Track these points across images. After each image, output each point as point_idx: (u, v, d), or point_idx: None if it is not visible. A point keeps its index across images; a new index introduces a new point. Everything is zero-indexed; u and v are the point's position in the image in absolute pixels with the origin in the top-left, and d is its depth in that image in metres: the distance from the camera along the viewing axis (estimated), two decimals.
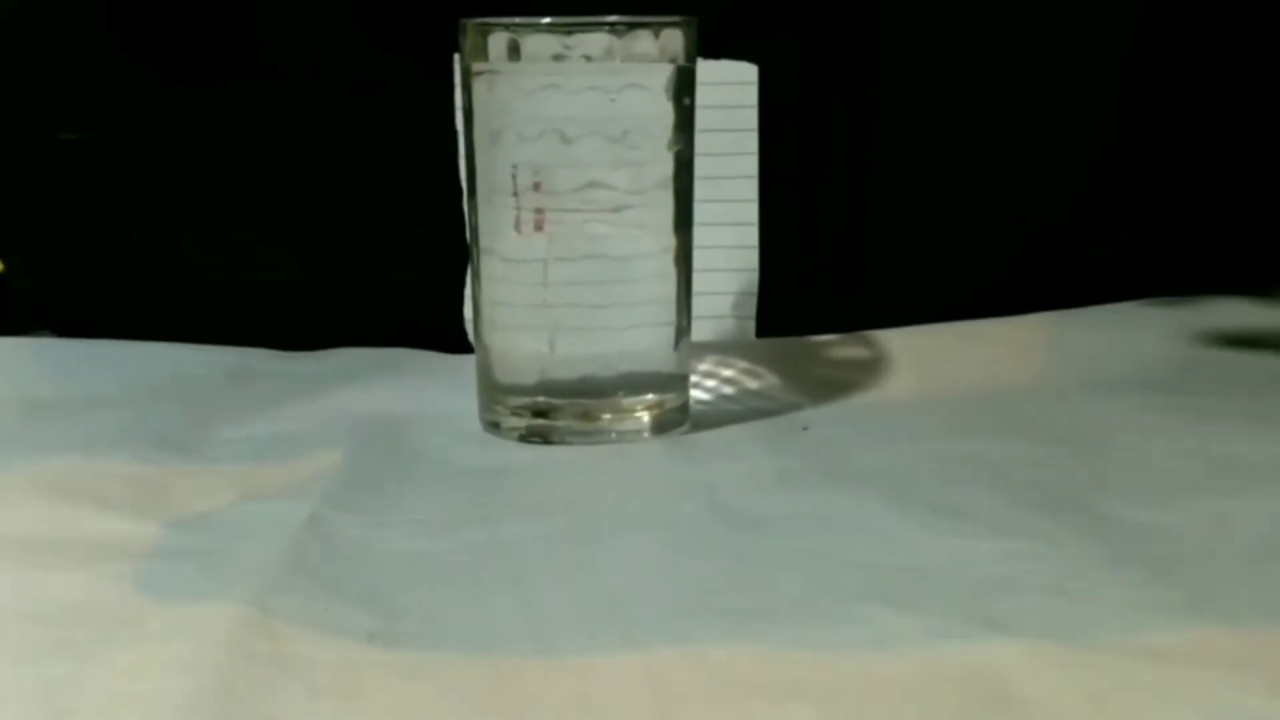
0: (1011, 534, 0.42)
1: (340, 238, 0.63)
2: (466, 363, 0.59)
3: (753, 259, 0.61)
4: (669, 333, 0.52)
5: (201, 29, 0.62)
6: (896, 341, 0.60)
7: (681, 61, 0.50)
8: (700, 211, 0.59)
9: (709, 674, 0.35)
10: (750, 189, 0.61)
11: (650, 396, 0.52)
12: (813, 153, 0.62)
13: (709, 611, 0.38)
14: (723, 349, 0.60)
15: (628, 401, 0.51)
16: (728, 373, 0.58)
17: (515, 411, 0.52)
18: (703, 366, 0.58)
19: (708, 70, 0.60)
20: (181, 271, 0.64)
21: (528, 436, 0.52)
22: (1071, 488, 0.46)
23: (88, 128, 0.63)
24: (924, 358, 0.58)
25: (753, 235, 0.61)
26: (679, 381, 0.53)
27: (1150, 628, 0.36)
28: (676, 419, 0.52)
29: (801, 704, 0.33)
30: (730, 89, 0.60)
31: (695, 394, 0.55)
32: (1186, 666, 0.35)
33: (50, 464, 0.49)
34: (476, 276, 0.52)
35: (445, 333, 0.62)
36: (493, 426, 0.52)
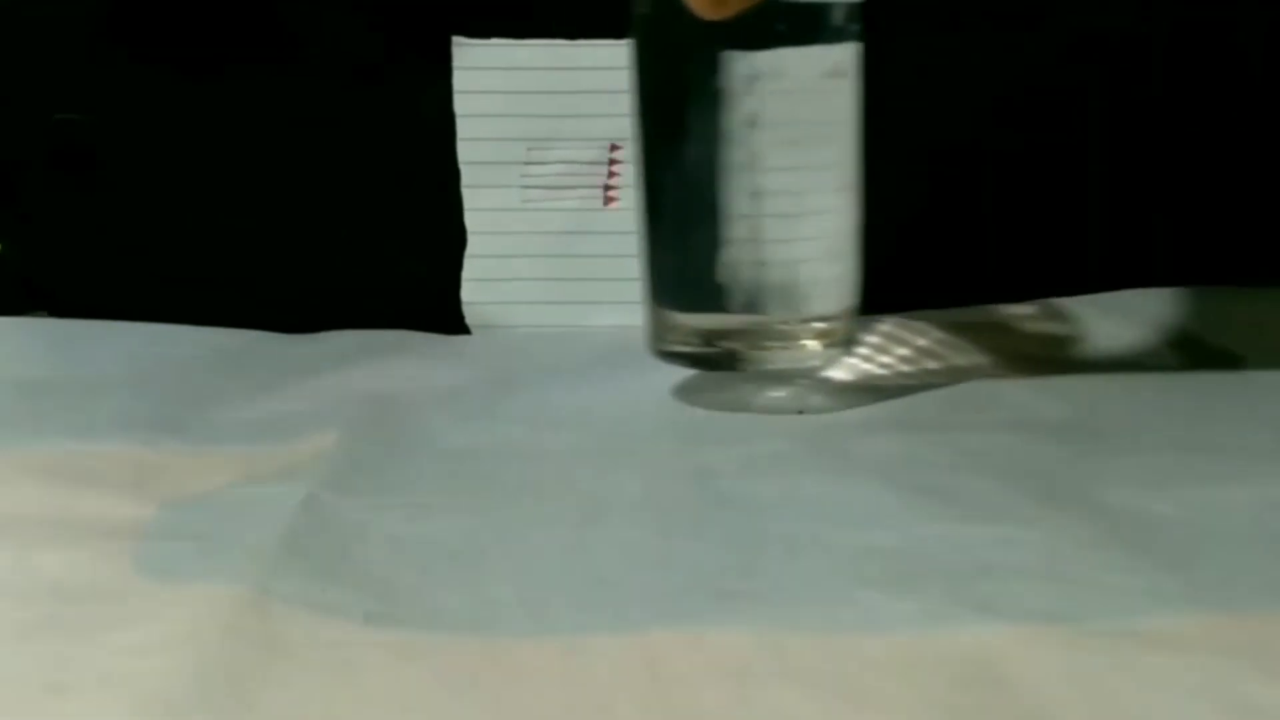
0: (1006, 520, 0.42)
1: (338, 223, 0.63)
2: (465, 344, 0.60)
3: None
4: (842, 265, 0.52)
5: (202, 14, 0.62)
6: (891, 327, 0.60)
7: None
8: None
9: (703, 655, 0.35)
10: None
11: (819, 325, 0.52)
12: None
13: (703, 593, 0.38)
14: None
15: (797, 329, 0.52)
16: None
17: (685, 339, 0.52)
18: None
19: None
20: (176, 256, 0.64)
21: (699, 362, 0.52)
22: (1067, 475, 0.46)
23: (85, 109, 0.63)
24: (920, 343, 0.58)
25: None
26: (846, 315, 0.53)
27: (1145, 612, 0.37)
28: (844, 349, 0.53)
29: (794, 686, 0.34)
30: None
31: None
32: (1181, 651, 0.35)
33: (45, 445, 0.49)
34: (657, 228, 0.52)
35: (443, 316, 0.62)
36: (664, 355, 0.53)
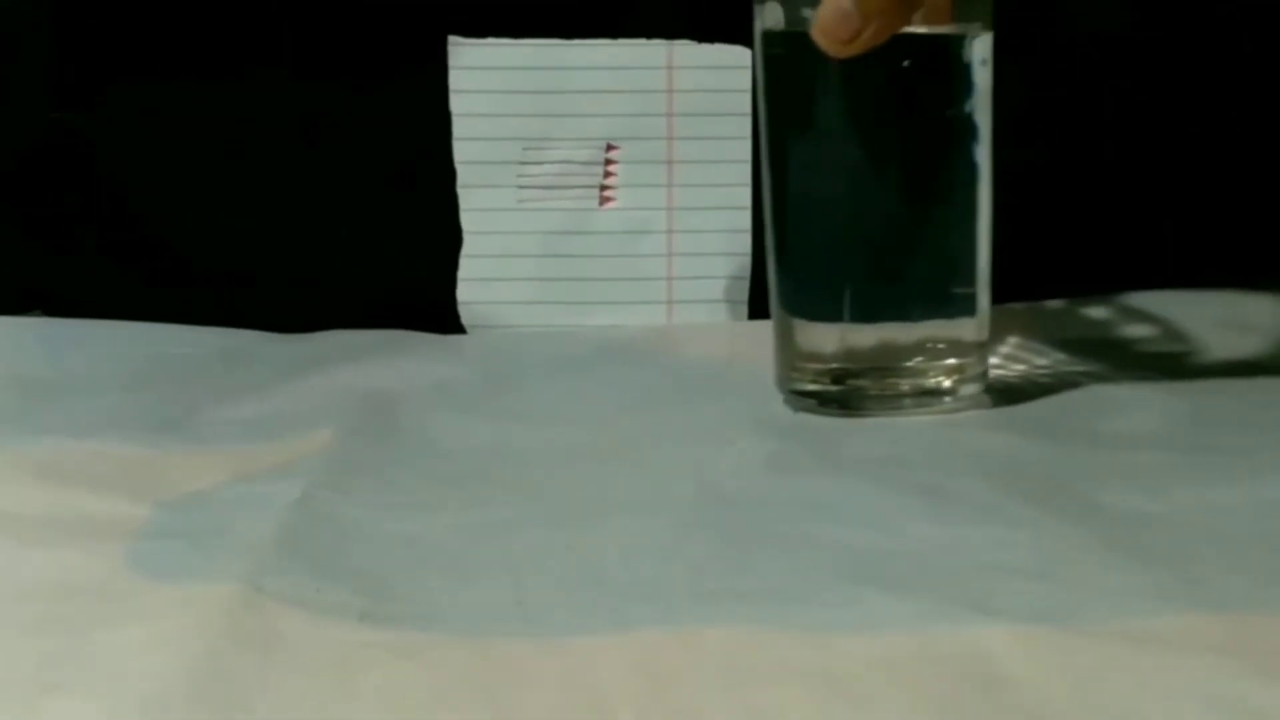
0: (1001, 520, 0.42)
1: (334, 223, 0.63)
2: (461, 343, 0.60)
3: (745, 243, 0.61)
4: (969, 299, 0.52)
5: (200, 16, 0.62)
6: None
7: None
8: (692, 196, 0.60)
9: (699, 656, 0.35)
10: (743, 173, 0.61)
11: (950, 362, 0.52)
12: None
13: (700, 592, 0.38)
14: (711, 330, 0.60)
15: (927, 365, 0.51)
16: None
17: (814, 378, 0.52)
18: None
19: (700, 54, 0.60)
20: (175, 256, 0.64)
21: (827, 402, 0.52)
22: (1062, 476, 0.46)
23: (83, 109, 0.63)
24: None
25: (746, 219, 0.61)
26: (978, 346, 0.52)
27: (1139, 612, 0.37)
28: (976, 384, 0.52)
29: (792, 686, 0.34)
30: (722, 73, 0.60)
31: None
32: (1174, 650, 0.35)
33: (41, 445, 0.49)
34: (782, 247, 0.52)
35: (439, 315, 0.62)
36: (794, 395, 0.52)
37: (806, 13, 0.48)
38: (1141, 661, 0.34)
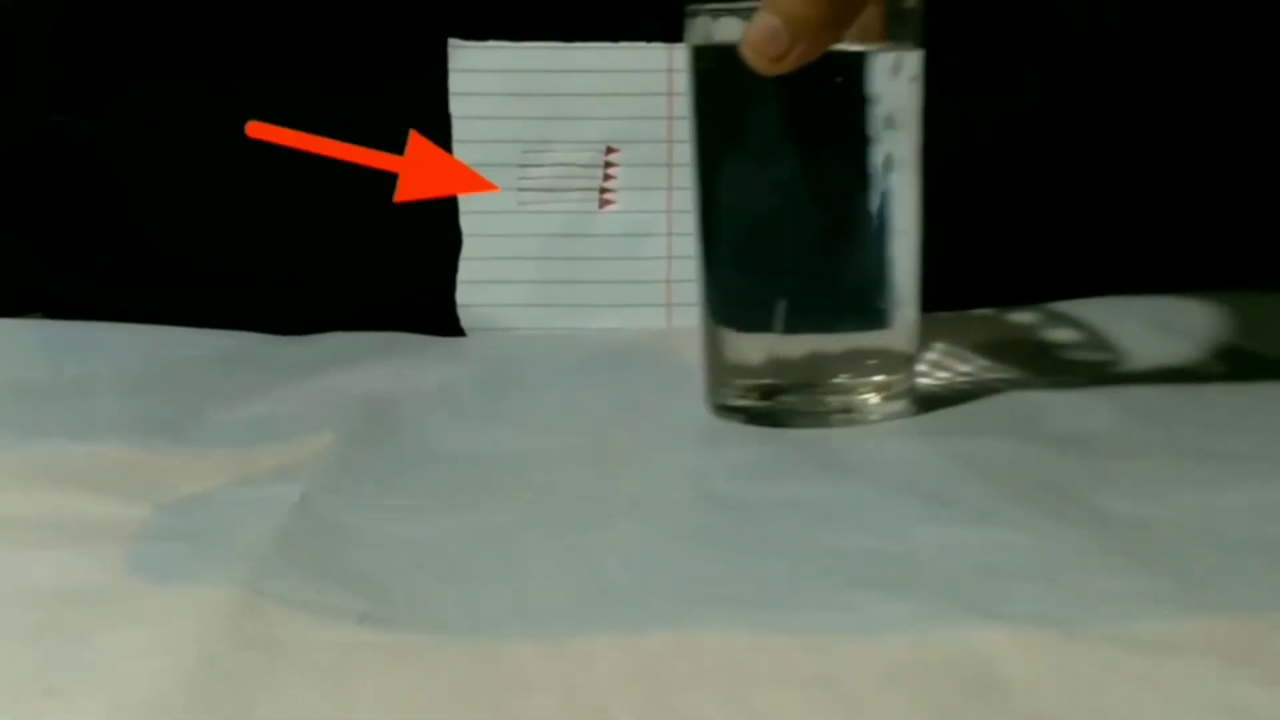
0: (1001, 524, 0.42)
1: (334, 225, 0.63)
2: (460, 346, 0.60)
3: None
4: (890, 313, 0.52)
5: (201, 18, 0.62)
6: None
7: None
8: (685, 201, 0.59)
9: (699, 660, 0.35)
10: None
11: (878, 378, 0.52)
12: None
13: (699, 596, 0.38)
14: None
15: (854, 382, 0.51)
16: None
17: (743, 393, 0.52)
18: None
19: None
20: (175, 257, 0.64)
21: (755, 418, 0.51)
22: (1061, 481, 0.46)
23: (83, 110, 0.63)
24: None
25: None
26: (905, 361, 0.52)
27: (1139, 617, 0.37)
28: (902, 400, 0.52)
29: (791, 689, 0.34)
30: None
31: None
32: (1175, 655, 0.35)
33: (40, 448, 0.49)
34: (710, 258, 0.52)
35: (438, 318, 0.62)
36: (721, 409, 0.52)
37: (737, 29, 0.48)
38: (1141, 666, 0.34)
